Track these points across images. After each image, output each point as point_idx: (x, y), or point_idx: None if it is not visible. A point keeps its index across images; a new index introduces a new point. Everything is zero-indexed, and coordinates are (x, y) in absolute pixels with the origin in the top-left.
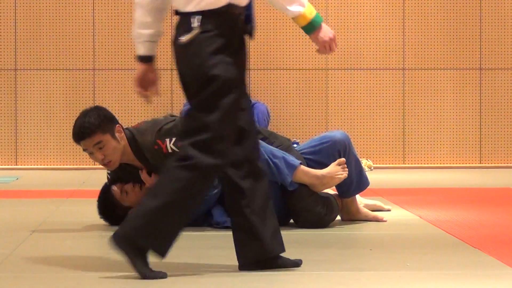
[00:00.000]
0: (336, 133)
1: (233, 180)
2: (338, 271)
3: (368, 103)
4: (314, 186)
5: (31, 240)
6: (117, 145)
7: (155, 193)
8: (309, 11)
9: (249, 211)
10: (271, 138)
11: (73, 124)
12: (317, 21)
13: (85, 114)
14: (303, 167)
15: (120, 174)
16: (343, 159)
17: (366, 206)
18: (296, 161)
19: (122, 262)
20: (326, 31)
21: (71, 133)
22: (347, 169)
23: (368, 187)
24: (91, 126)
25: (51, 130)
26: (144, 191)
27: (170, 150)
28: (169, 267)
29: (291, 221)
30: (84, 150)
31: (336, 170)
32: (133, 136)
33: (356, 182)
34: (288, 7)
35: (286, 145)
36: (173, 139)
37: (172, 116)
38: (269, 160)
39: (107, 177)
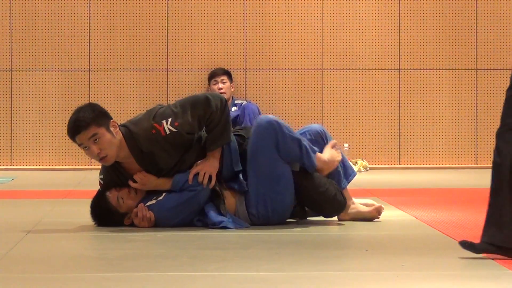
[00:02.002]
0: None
1: None
2: (333, 271)
3: (363, 104)
4: (322, 171)
5: (26, 240)
6: (112, 139)
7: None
8: None
9: None
10: None
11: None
12: None
13: (79, 109)
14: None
15: (115, 178)
16: (334, 141)
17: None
18: (315, 148)
19: (118, 262)
20: None
21: (67, 131)
22: (339, 151)
23: (364, 187)
24: (86, 119)
25: (46, 130)
26: (140, 195)
27: (168, 132)
28: (165, 267)
29: (288, 220)
30: (79, 145)
31: (332, 152)
32: (127, 129)
33: (342, 169)
34: None
35: None
36: (169, 120)
37: (160, 105)
38: (301, 141)
39: (100, 183)
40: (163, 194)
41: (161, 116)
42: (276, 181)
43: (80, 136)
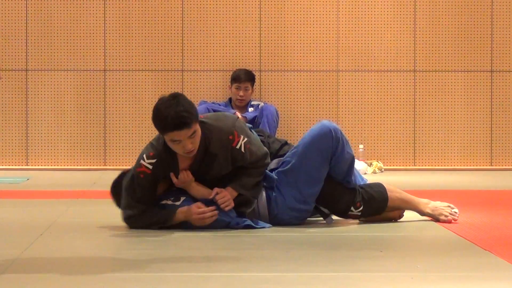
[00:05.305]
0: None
1: None
2: (348, 273)
3: (379, 105)
4: (394, 201)
5: (41, 240)
6: (200, 133)
7: None
8: None
9: None
10: (270, 138)
11: (82, 124)
12: None
13: (175, 103)
14: None
15: (162, 171)
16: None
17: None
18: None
19: (132, 262)
20: None
21: (161, 122)
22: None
23: None
24: (190, 115)
25: (61, 130)
26: (161, 190)
27: (238, 147)
28: (180, 268)
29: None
30: (171, 140)
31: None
32: (203, 124)
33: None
34: None
35: (283, 142)
36: (246, 139)
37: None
38: (354, 158)
39: (141, 164)
40: (182, 199)
41: (242, 129)
42: (313, 184)
43: (182, 132)
